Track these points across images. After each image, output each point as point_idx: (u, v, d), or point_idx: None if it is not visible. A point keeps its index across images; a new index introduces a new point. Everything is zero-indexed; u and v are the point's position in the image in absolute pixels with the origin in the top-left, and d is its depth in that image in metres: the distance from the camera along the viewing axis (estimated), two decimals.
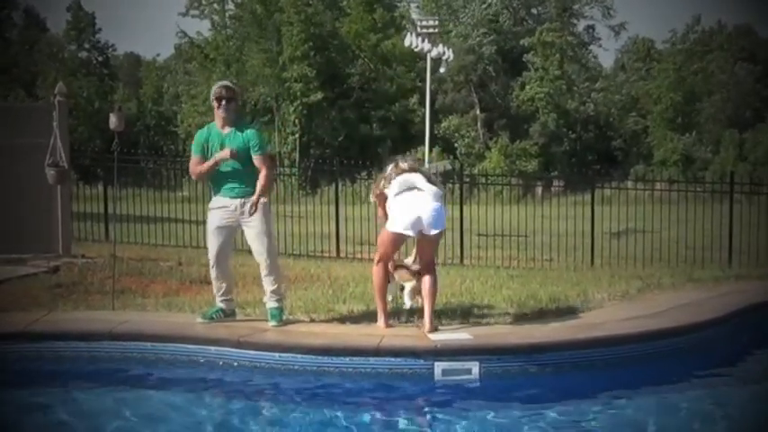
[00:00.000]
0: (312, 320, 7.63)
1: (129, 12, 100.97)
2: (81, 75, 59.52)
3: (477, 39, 56.95)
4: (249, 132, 7.49)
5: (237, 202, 7.41)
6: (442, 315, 7.72)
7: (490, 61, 57.52)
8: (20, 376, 6.75)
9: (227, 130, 7.45)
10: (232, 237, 7.64)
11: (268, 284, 7.50)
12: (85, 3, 65.01)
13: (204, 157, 7.48)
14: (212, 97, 7.51)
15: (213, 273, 7.60)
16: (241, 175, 7.39)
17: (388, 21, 55.94)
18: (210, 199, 7.72)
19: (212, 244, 7.54)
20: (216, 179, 7.51)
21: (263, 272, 7.49)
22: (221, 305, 7.62)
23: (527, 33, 58.68)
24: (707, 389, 6.78)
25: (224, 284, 7.60)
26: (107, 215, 14.62)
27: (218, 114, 7.46)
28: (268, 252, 7.45)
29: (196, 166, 7.55)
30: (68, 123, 11.66)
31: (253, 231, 7.42)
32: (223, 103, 7.42)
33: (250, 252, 7.70)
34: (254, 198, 7.32)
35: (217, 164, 7.37)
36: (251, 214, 7.32)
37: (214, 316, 7.56)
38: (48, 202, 11.06)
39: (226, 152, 7.34)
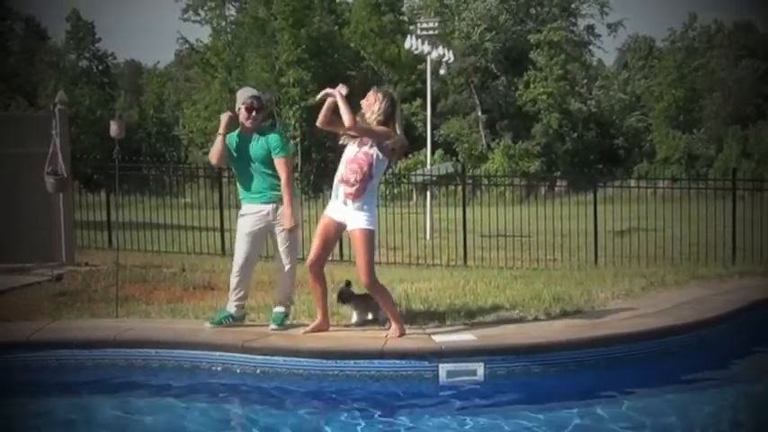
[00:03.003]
0: None
1: (128, 20, 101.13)
2: (82, 83, 59.68)
3: (479, 34, 56.91)
4: (271, 136, 7.51)
5: (270, 207, 7.42)
6: (446, 316, 7.71)
7: (493, 58, 57.48)
8: (24, 385, 6.75)
9: (252, 135, 7.49)
10: (262, 242, 7.66)
11: (282, 289, 7.54)
12: (84, 12, 65.26)
13: (229, 150, 7.53)
14: (241, 106, 7.46)
15: (236, 276, 7.56)
16: (269, 178, 7.42)
17: (395, 26, 55.91)
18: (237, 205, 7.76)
19: (241, 249, 7.52)
20: (245, 184, 7.52)
21: (280, 276, 7.53)
22: (232, 310, 7.59)
23: (528, 33, 58.65)
24: (711, 386, 6.77)
25: (243, 291, 7.60)
26: (110, 223, 14.65)
27: (245, 123, 7.47)
28: (290, 260, 7.49)
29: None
30: (70, 132, 11.68)
31: (282, 238, 7.45)
32: (253, 113, 7.45)
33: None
34: (286, 212, 7.33)
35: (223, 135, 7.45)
36: (290, 230, 7.37)
37: (223, 321, 7.55)
38: (50, 210, 11.06)
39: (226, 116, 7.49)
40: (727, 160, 51.22)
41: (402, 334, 7.03)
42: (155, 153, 55.54)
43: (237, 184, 7.72)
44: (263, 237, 7.59)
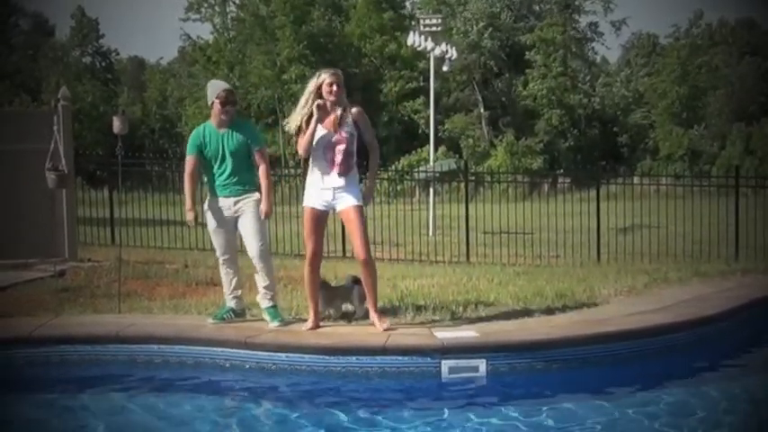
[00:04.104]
0: None
1: (131, 16, 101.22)
2: (85, 79, 59.67)
3: (477, 32, 56.81)
4: (247, 129, 7.62)
5: (231, 201, 7.46)
6: (449, 313, 7.72)
7: (492, 56, 57.40)
8: (27, 381, 6.77)
9: (224, 129, 7.47)
10: (235, 232, 7.63)
11: (260, 281, 7.54)
12: (89, 8, 65.27)
13: (200, 156, 7.50)
14: (215, 100, 7.45)
15: (223, 270, 7.66)
16: (236, 173, 7.44)
17: (396, 23, 55.84)
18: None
19: (218, 242, 7.59)
20: (212, 177, 7.51)
21: (256, 268, 7.52)
22: (232, 304, 7.64)
23: (528, 30, 58.53)
24: (714, 383, 6.76)
25: (234, 280, 7.65)
26: (113, 219, 14.65)
27: (219, 116, 7.46)
28: (260, 249, 7.47)
29: (190, 165, 7.55)
30: (73, 128, 11.69)
31: (246, 228, 7.47)
32: (227, 107, 7.43)
33: None
34: (266, 200, 7.43)
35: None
36: (265, 217, 7.44)
37: (225, 316, 7.58)
38: (53, 206, 11.07)
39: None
40: (730, 157, 51.04)
41: (384, 323, 7.16)
42: (158, 149, 55.34)
43: (207, 178, 7.63)
44: (233, 227, 7.57)
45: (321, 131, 7.10)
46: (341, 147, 7.07)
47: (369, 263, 7.15)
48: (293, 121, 7.20)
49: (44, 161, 9.53)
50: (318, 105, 7.04)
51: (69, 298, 8.85)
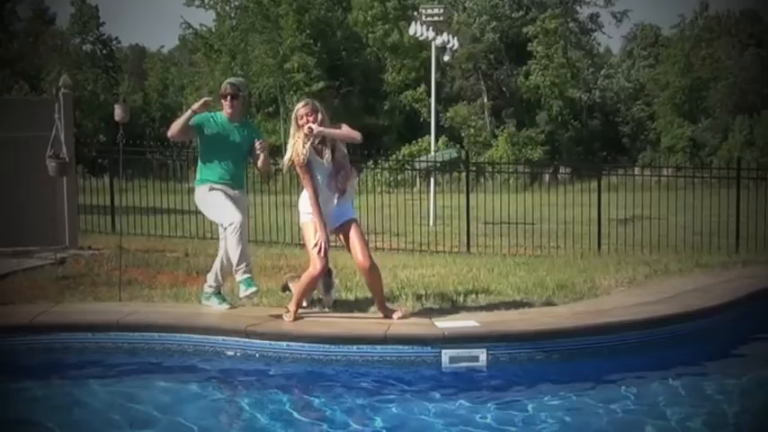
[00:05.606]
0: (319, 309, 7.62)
1: (132, 3, 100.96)
2: (86, 67, 59.56)
3: (481, 26, 56.78)
4: (251, 127, 8.02)
5: (237, 191, 7.66)
6: (449, 303, 7.72)
7: (493, 49, 57.34)
8: (27, 368, 6.76)
9: (235, 123, 7.65)
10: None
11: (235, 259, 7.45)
12: None
13: (200, 129, 7.56)
14: (220, 92, 7.71)
15: (236, 237, 7.35)
16: (233, 167, 7.59)
17: (398, 12, 55.74)
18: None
19: (229, 209, 7.44)
20: (218, 168, 7.53)
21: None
22: (247, 274, 7.46)
23: (530, 22, 58.41)
24: (714, 374, 6.76)
25: (246, 251, 7.52)
26: (113, 207, 14.65)
27: (225, 109, 7.65)
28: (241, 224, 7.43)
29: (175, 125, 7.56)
30: (74, 116, 11.67)
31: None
32: (228, 99, 7.61)
33: (256, 243, 7.70)
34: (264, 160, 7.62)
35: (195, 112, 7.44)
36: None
37: (254, 287, 7.46)
38: (54, 194, 11.06)
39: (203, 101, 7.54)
40: (732, 149, 51.03)
41: (387, 316, 7.20)
42: (158, 138, 55.26)
43: (203, 166, 7.64)
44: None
45: (318, 164, 7.11)
46: (343, 172, 7.18)
47: (373, 268, 7.20)
48: (287, 158, 7.17)
49: (45, 149, 9.52)
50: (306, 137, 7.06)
51: (70, 286, 8.83)
